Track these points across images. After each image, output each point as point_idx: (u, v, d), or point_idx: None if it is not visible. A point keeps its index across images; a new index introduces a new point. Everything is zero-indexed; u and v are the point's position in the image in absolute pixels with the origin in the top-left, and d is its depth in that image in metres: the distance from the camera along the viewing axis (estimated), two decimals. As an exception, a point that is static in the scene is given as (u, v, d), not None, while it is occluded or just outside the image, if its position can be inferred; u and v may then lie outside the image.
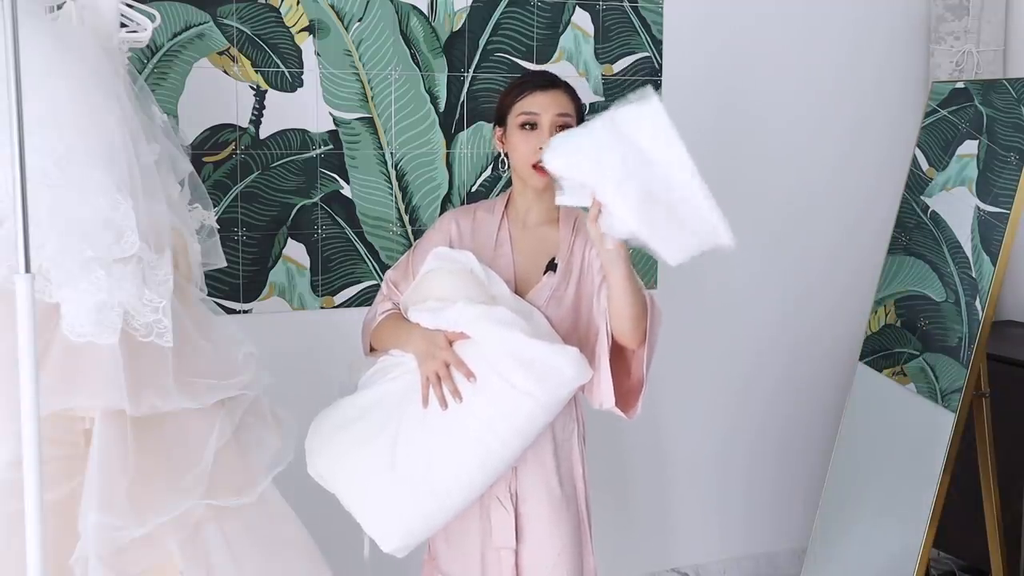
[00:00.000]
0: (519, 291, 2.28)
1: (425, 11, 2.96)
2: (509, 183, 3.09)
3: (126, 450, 1.94)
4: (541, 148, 2.18)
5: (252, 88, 2.82)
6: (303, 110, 2.87)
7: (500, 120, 2.32)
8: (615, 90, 3.20)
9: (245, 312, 2.86)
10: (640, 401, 2.27)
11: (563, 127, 2.23)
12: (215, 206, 2.71)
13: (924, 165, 3.24)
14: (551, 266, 2.31)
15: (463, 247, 2.30)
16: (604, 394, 2.23)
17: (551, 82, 2.28)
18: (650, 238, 1.99)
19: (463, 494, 2.14)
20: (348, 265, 2.97)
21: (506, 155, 2.31)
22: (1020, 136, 2.91)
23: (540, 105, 2.24)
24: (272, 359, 2.35)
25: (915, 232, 3.22)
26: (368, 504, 2.18)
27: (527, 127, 2.24)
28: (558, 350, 2.14)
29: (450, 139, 3.03)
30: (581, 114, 2.31)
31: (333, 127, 2.90)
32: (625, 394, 2.27)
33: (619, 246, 2.06)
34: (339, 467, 2.21)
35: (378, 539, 2.18)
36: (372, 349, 2.39)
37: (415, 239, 3.00)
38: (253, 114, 2.82)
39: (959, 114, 3.15)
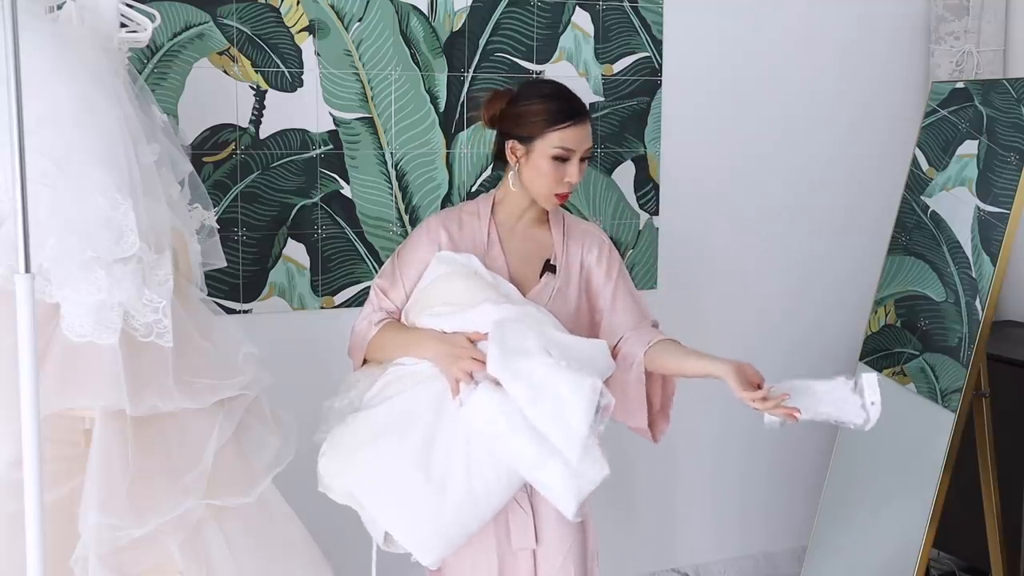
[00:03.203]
0: (515, 283, 2.29)
1: (425, 11, 2.96)
2: (509, 183, 3.10)
3: (126, 450, 1.94)
4: (574, 177, 2.23)
5: (252, 88, 2.82)
6: (303, 110, 2.87)
7: (524, 137, 2.25)
8: (615, 90, 3.20)
9: (245, 312, 2.86)
10: (666, 428, 2.41)
11: (586, 158, 2.27)
12: (215, 206, 2.71)
13: (924, 165, 3.24)
14: (548, 267, 2.31)
15: (454, 251, 2.30)
16: (637, 415, 2.33)
17: (584, 111, 2.26)
18: None
19: (501, 496, 2.13)
20: (348, 265, 2.97)
21: (516, 166, 2.28)
22: (1020, 136, 2.91)
23: (577, 141, 2.23)
24: (272, 359, 2.35)
25: (915, 232, 3.21)
26: (406, 517, 2.14)
27: (560, 160, 2.23)
28: (589, 342, 2.18)
29: (450, 139, 3.03)
30: None
31: (333, 127, 2.90)
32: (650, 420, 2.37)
33: None
34: (372, 483, 2.16)
35: (418, 552, 2.13)
36: (364, 361, 2.36)
37: (415, 239, 3.00)
38: (253, 114, 2.82)
39: (959, 114, 3.15)
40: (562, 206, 2.37)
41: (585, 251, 2.34)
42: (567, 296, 2.31)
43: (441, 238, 2.30)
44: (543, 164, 2.24)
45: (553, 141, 2.23)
